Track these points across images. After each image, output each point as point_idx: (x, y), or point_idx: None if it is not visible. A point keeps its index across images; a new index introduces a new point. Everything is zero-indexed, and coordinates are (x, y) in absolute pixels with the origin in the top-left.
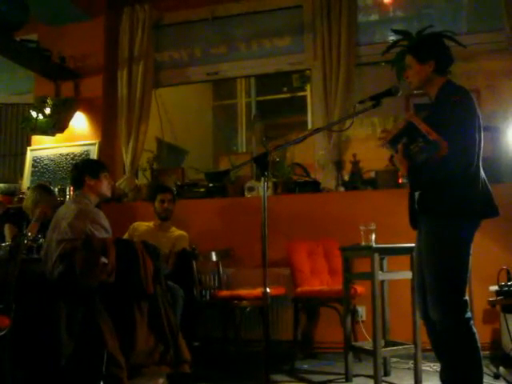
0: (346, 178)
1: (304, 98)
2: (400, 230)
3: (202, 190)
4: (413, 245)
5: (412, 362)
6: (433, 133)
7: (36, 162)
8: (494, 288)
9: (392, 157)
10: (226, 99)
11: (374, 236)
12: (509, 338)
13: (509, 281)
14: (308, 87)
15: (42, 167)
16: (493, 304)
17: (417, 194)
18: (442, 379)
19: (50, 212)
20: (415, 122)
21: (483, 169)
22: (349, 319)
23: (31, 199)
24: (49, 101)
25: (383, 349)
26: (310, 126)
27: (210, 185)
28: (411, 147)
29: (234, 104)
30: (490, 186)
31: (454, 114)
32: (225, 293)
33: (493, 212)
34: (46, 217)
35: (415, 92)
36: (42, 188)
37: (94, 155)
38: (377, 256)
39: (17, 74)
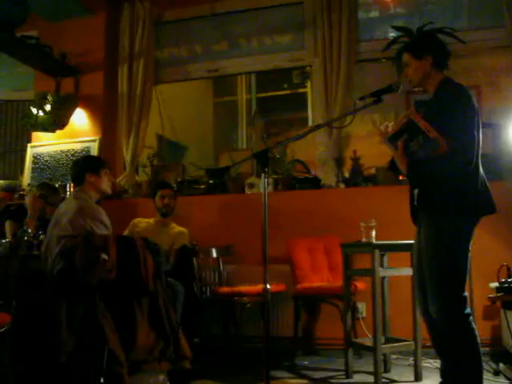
0: (347, 174)
1: (304, 94)
2: (400, 226)
3: (203, 186)
4: (413, 241)
5: (412, 358)
6: (432, 130)
7: (36, 158)
8: (495, 284)
9: (391, 165)
10: (227, 96)
11: (374, 232)
12: (509, 335)
13: (509, 277)
14: (308, 84)
15: (43, 164)
16: (493, 300)
17: (416, 190)
18: (442, 376)
19: (49, 209)
20: (416, 119)
21: (483, 166)
22: (349, 316)
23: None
24: (49, 97)
25: (383, 345)
26: (310, 123)
27: (211, 181)
28: (411, 144)
29: (235, 100)
30: (488, 184)
31: (452, 112)
32: (225, 289)
33: (490, 209)
34: (44, 213)
35: (416, 89)
36: (46, 185)
37: (94, 152)
38: (377, 252)
39: (17, 71)
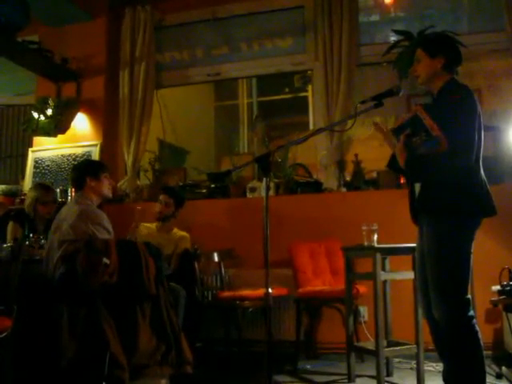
0: (348, 178)
1: (305, 98)
2: (402, 229)
3: (204, 190)
4: (415, 245)
5: (414, 362)
6: (436, 129)
7: (37, 163)
8: (496, 288)
9: (391, 162)
10: (228, 100)
11: (376, 236)
12: (511, 338)
13: (511, 280)
14: (309, 88)
15: (44, 168)
16: (495, 304)
17: (417, 192)
18: (444, 379)
19: (52, 209)
20: (421, 115)
21: (484, 169)
22: (351, 319)
23: (31, 198)
24: (50, 102)
25: (386, 349)
26: (311, 127)
27: (212, 185)
28: (413, 139)
29: (236, 104)
30: (488, 186)
31: (454, 113)
32: (227, 293)
33: (491, 211)
34: (49, 214)
35: (421, 86)
36: (40, 186)
37: (95, 156)
38: (379, 256)
39: (18, 75)
